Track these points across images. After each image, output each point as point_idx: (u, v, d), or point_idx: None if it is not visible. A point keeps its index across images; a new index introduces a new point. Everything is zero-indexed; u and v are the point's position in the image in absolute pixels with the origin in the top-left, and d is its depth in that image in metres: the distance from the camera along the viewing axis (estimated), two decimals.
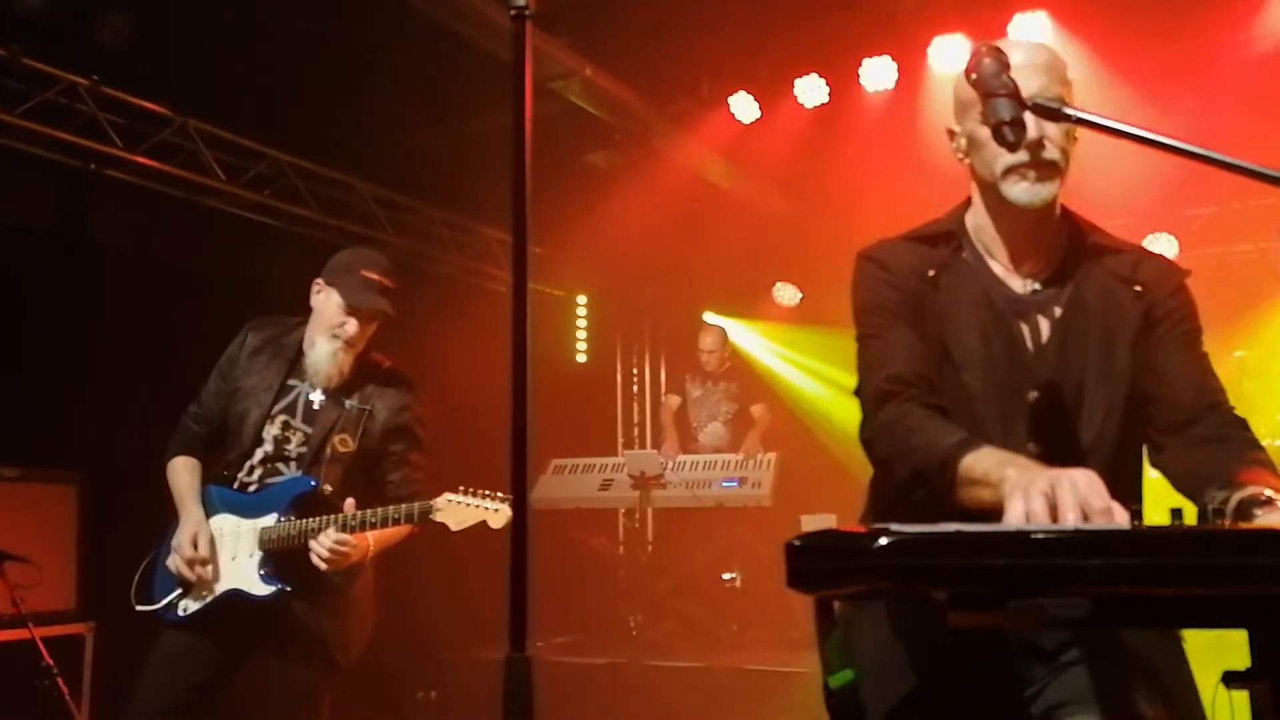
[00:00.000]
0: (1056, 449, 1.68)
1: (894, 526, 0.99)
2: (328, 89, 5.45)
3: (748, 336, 8.66)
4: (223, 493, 3.11)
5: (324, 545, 2.86)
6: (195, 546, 3.00)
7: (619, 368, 9.24)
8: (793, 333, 8.58)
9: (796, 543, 1.02)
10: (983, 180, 1.82)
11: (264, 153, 5.82)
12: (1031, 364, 1.78)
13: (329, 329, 3.09)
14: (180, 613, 3.04)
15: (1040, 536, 0.98)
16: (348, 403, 3.09)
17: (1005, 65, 1.50)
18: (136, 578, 3.17)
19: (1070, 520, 1.23)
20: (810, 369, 8.48)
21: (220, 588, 3.02)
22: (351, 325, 3.07)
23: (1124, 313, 1.81)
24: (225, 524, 3.08)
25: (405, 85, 5.60)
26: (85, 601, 4.65)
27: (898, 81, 5.92)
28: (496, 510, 2.86)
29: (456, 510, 2.86)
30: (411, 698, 5.80)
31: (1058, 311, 1.81)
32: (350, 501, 2.91)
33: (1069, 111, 1.47)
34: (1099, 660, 1.64)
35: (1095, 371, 1.77)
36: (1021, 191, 1.73)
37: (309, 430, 3.07)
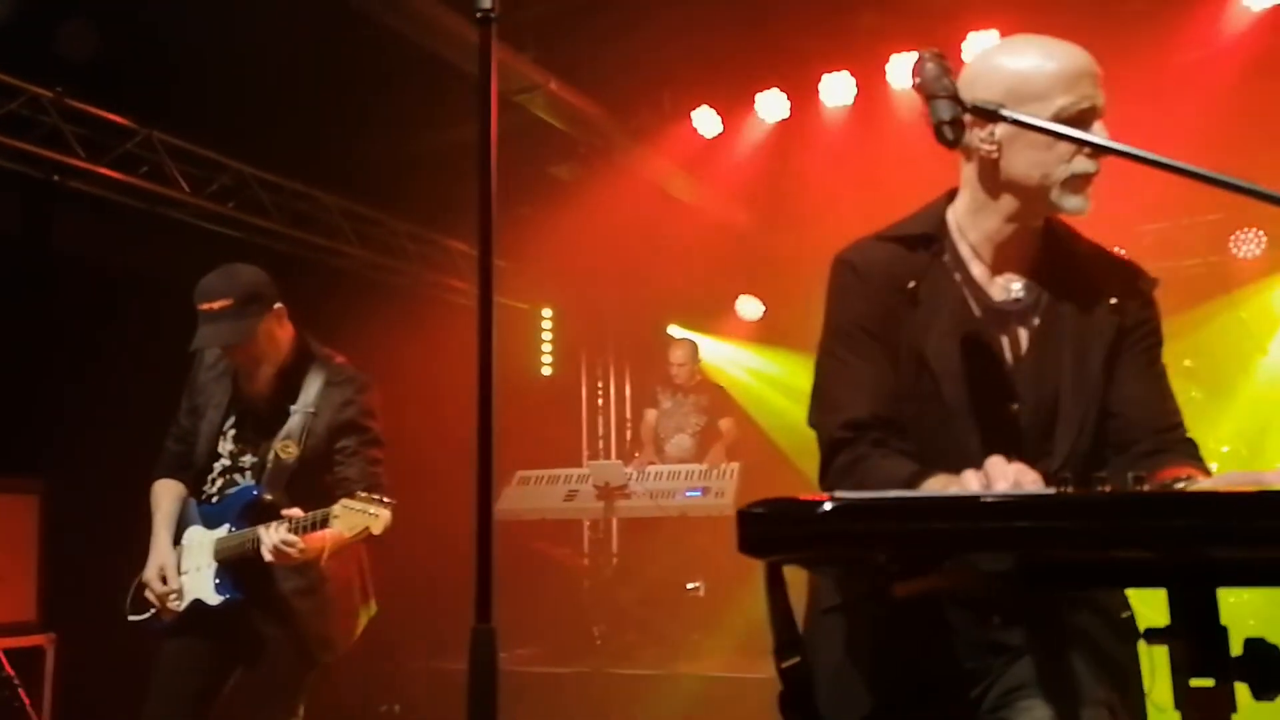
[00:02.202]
0: (1035, 462, 1.63)
1: (838, 493, 1.05)
2: (292, 101, 5.47)
3: (712, 349, 8.74)
4: (195, 506, 3.19)
5: (268, 542, 2.89)
6: (163, 581, 3.07)
7: (584, 380, 9.28)
8: (756, 346, 8.67)
9: (746, 510, 1.08)
10: (1021, 181, 1.73)
11: (228, 165, 5.84)
12: (1011, 376, 1.77)
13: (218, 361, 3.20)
14: (163, 622, 3.10)
15: (972, 500, 1.05)
16: (292, 408, 3.11)
17: (946, 69, 1.57)
18: (131, 590, 3.19)
19: (1001, 488, 1.30)
20: (773, 381, 8.56)
21: (187, 597, 3.09)
22: (229, 360, 3.16)
23: (1098, 324, 1.79)
24: (193, 536, 3.15)
25: (369, 97, 5.64)
26: (46, 612, 4.63)
27: (857, 96, 6.05)
28: (376, 515, 2.84)
29: (349, 515, 2.84)
30: (375, 710, 5.79)
31: (1036, 321, 1.79)
32: (294, 511, 2.93)
33: (1005, 114, 1.54)
34: (1049, 647, 1.67)
35: (1070, 383, 1.76)
36: (1079, 203, 1.70)
37: (257, 441, 3.13)
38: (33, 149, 4.94)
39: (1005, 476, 1.40)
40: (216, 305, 2.99)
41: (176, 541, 3.16)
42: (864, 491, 1.01)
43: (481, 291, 1.63)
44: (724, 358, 8.78)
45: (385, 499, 2.87)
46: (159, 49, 4.88)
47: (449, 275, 7.45)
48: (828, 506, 1.04)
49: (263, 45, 5.05)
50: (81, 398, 4.90)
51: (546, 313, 8.84)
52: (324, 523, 2.86)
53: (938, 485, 1.52)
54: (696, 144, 6.54)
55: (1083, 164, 1.69)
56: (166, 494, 3.22)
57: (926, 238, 1.84)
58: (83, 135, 5.14)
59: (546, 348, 8.86)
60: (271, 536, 2.88)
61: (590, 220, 6.65)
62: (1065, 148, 1.67)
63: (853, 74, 5.99)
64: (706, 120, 6.43)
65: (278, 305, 3.11)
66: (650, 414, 7.23)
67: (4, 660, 4.13)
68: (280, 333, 3.13)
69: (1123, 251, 1.95)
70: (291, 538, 2.88)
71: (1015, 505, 1.03)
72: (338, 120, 5.80)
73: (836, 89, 6.05)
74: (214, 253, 3.13)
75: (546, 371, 8.86)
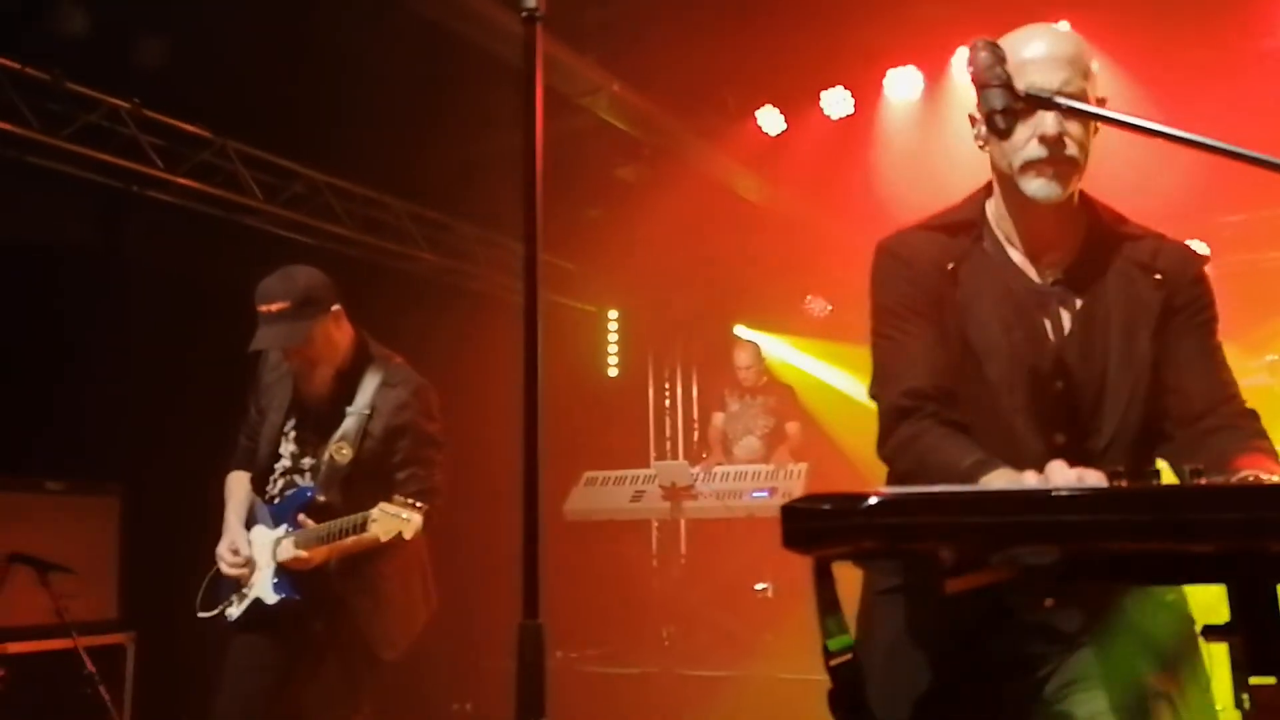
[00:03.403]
0: (1081, 439, 1.70)
1: (883, 488, 1.04)
2: (361, 108, 5.56)
3: (779, 349, 8.68)
4: (260, 505, 3.27)
5: (281, 557, 3.07)
6: (234, 553, 3.17)
7: (650, 381, 9.29)
8: (823, 345, 8.59)
9: (791, 504, 1.07)
10: (1000, 171, 1.83)
11: (300, 172, 5.95)
12: (1054, 355, 1.78)
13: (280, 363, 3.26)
14: (230, 619, 3.18)
15: (1019, 494, 1.02)
16: (348, 410, 3.15)
17: (1001, 58, 1.55)
18: (202, 587, 3.30)
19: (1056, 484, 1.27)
20: (840, 381, 8.48)
21: (250, 595, 3.17)
22: (288, 362, 3.21)
23: (1144, 301, 1.80)
24: (258, 535, 3.23)
25: (436, 102, 5.71)
26: (126, 611, 4.76)
27: (923, 91, 5.97)
28: (408, 520, 2.88)
29: (385, 520, 2.88)
30: (447, 709, 5.85)
31: (1078, 302, 1.81)
32: (302, 516, 3.07)
33: (1060, 102, 1.51)
34: (1108, 636, 1.66)
35: (1117, 361, 1.77)
36: (1038, 188, 1.74)
37: (316, 442, 3.18)
38: (111, 159, 5.08)
39: (1067, 479, 1.38)
40: (274, 307, 3.04)
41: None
42: (914, 484, 1.00)
43: (527, 288, 1.65)
44: (791, 357, 8.72)
45: (419, 504, 2.90)
46: (232, 59, 4.99)
47: (516, 278, 7.46)
48: (873, 501, 1.03)
49: (333, 54, 5.15)
50: (159, 404, 5.03)
51: (613, 314, 8.87)
52: (363, 526, 2.91)
53: (998, 482, 1.52)
54: (761, 143, 6.50)
55: (1034, 149, 1.73)
56: (239, 485, 3.31)
57: (967, 224, 1.89)
58: (159, 145, 5.27)
59: (613, 349, 8.88)
60: (281, 553, 3.06)
61: (656, 221, 6.66)
62: (1020, 136, 1.72)
63: (919, 68, 5.91)
64: (771, 119, 6.40)
65: (335, 307, 3.15)
66: (718, 417, 7.21)
67: (86, 658, 4.25)
68: (338, 334, 3.17)
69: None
70: (300, 553, 3.03)
71: (1066, 499, 1.01)
72: (406, 126, 5.87)
73: (902, 84, 5.98)
74: (287, 259, 3.18)
75: (613, 373, 8.89)
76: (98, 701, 4.20)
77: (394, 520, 2.86)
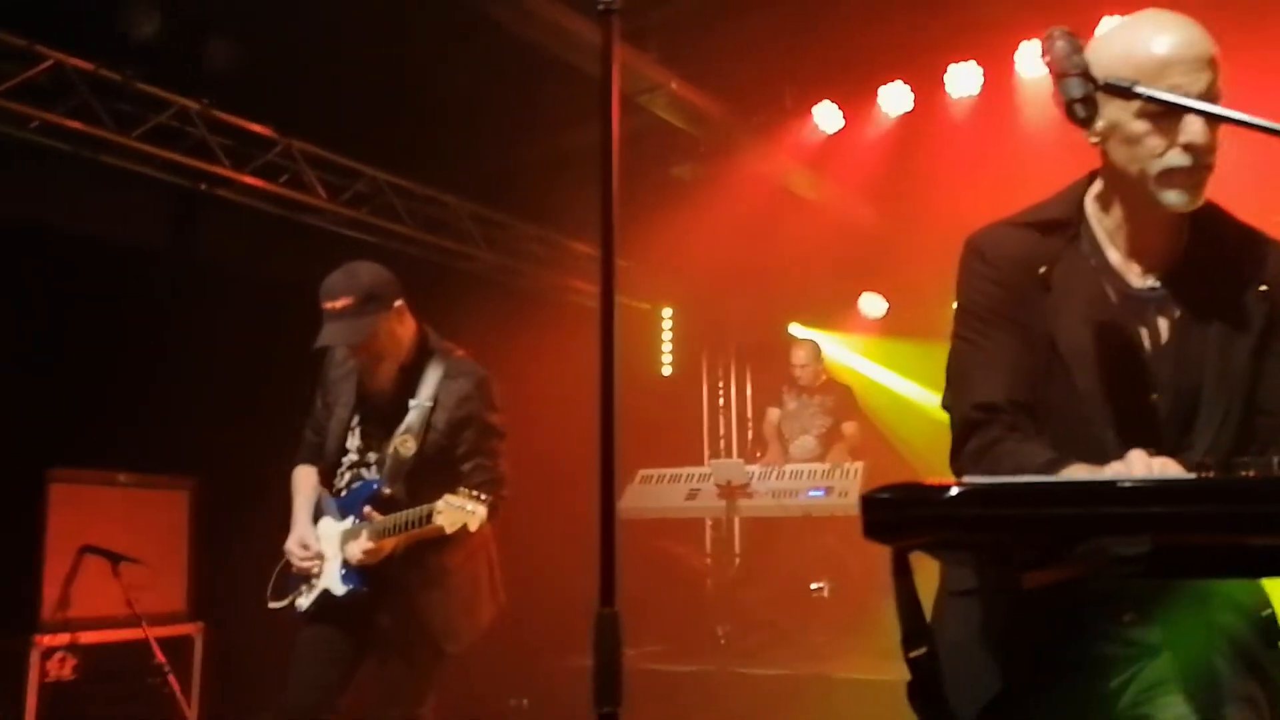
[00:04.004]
0: (1173, 455, 1.57)
1: (966, 478, 1.03)
2: (422, 107, 5.63)
3: (834, 348, 8.63)
4: (327, 498, 3.31)
5: (353, 553, 3.09)
6: (303, 547, 3.22)
7: (704, 380, 9.28)
8: (878, 344, 8.52)
9: (871, 495, 1.07)
10: (1124, 172, 1.69)
11: (362, 172, 6.04)
12: (1150, 366, 1.69)
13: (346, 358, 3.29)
14: (299, 609, 3.24)
15: (1104, 485, 1.01)
16: (412, 403, 3.18)
17: (1077, 46, 1.52)
18: (273, 577, 3.35)
19: (1138, 474, 1.25)
20: (896, 381, 8.41)
21: (319, 586, 3.21)
22: (352, 358, 3.24)
23: (1246, 314, 1.70)
24: (325, 527, 3.27)
25: (496, 102, 5.76)
26: (195, 603, 4.86)
27: (984, 87, 5.89)
28: (473, 512, 2.89)
29: (450, 512, 2.89)
30: (504, 704, 5.89)
31: (1177, 311, 1.71)
32: (368, 508, 3.11)
33: (1175, 101, 1.46)
34: (1188, 644, 1.61)
35: (1213, 375, 1.68)
36: (1175, 198, 1.63)
37: (381, 436, 3.22)
38: (181, 159, 5.19)
39: (1148, 468, 1.35)
40: (339, 304, 3.06)
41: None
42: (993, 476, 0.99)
43: (603, 284, 1.65)
44: (846, 356, 8.66)
45: (484, 496, 2.93)
46: (297, 60, 5.08)
47: (573, 277, 7.55)
48: (954, 491, 1.03)
49: (396, 55, 5.23)
50: (228, 399, 5.14)
51: (667, 312, 8.88)
52: (428, 518, 2.93)
53: (1074, 473, 1.48)
54: (818, 139, 6.48)
55: (1176, 158, 1.61)
56: (306, 479, 3.36)
57: (1062, 223, 1.79)
58: (227, 145, 5.39)
59: (667, 347, 8.89)
60: (350, 550, 3.09)
61: (711, 219, 6.65)
62: (1156, 141, 1.61)
63: (980, 63, 5.84)
64: (828, 115, 6.36)
65: (398, 303, 3.17)
66: (773, 413, 7.15)
67: (156, 648, 4.35)
68: (401, 330, 3.20)
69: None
70: (368, 545, 3.05)
71: (1150, 490, 0.99)
72: (466, 125, 5.93)
73: (963, 79, 5.91)
74: (349, 258, 3.23)
75: (667, 371, 8.89)
76: (167, 691, 4.30)
77: (459, 512, 2.88)
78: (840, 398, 7.00)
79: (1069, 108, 1.49)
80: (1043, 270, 1.74)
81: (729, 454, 8.91)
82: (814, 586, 6.38)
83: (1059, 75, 1.51)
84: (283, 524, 3.32)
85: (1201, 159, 1.61)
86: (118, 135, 4.91)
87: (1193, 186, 1.63)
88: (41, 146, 4.73)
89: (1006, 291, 1.74)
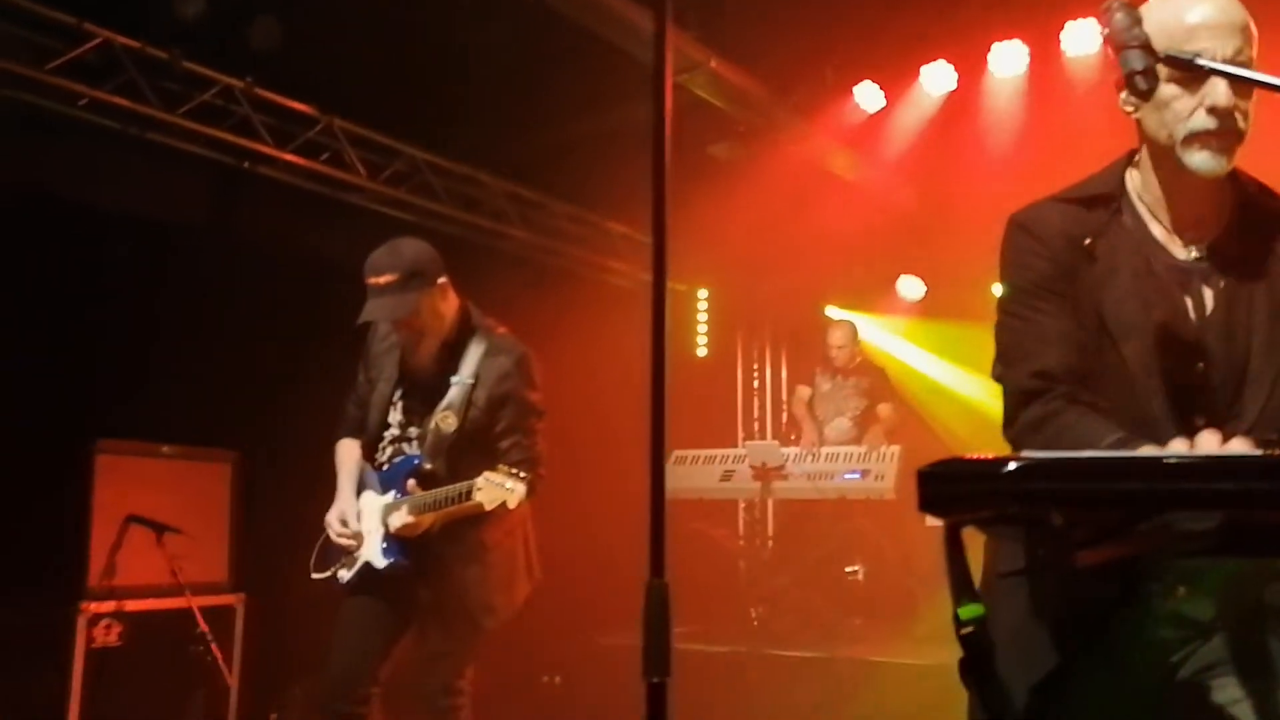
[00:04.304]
0: (1222, 423, 1.61)
1: (1025, 452, 1.02)
2: (460, 86, 5.64)
3: (871, 330, 8.57)
4: (369, 471, 3.35)
5: (393, 525, 3.13)
6: (343, 524, 3.25)
7: (740, 361, 9.26)
8: (916, 327, 8.45)
9: (928, 469, 1.06)
10: (1156, 140, 1.73)
11: (401, 150, 6.06)
12: (1196, 335, 1.71)
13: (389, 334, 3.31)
14: (341, 581, 3.28)
15: (1169, 460, 1.00)
16: (453, 379, 3.20)
17: (1137, 19, 1.51)
18: (316, 549, 3.40)
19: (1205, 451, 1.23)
20: (934, 365, 8.35)
21: (360, 558, 3.25)
22: (395, 334, 3.26)
23: None
24: (367, 501, 3.31)
25: (533, 81, 5.75)
26: (237, 574, 4.92)
27: (1029, 65, 5.81)
28: (512, 490, 2.91)
29: (489, 489, 2.91)
30: (537, 680, 5.93)
31: (1222, 282, 1.73)
32: (411, 482, 3.14)
33: (1210, 66, 1.46)
34: (1243, 623, 1.60)
35: (1262, 343, 1.70)
36: (1203, 161, 1.66)
37: (423, 412, 3.24)
38: (225, 136, 5.23)
39: (1216, 449, 1.33)
40: (383, 280, 3.09)
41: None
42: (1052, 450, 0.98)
43: (656, 267, 1.65)
44: (883, 339, 8.60)
45: (523, 474, 2.94)
46: (338, 39, 5.10)
47: (607, 256, 7.54)
48: (1012, 465, 1.02)
49: (436, 34, 5.23)
50: (270, 373, 5.19)
51: (702, 293, 8.85)
52: (468, 494, 2.95)
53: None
54: (859, 119, 6.41)
55: (1201, 120, 1.65)
56: (349, 453, 3.39)
57: (1104, 197, 1.81)
58: (269, 123, 5.42)
59: (702, 328, 8.87)
60: (390, 519, 3.12)
61: (748, 200, 6.61)
62: (1184, 105, 1.65)
63: (1025, 41, 5.76)
64: (869, 94, 6.30)
65: (442, 280, 3.20)
66: (803, 390, 7.09)
67: (199, 617, 4.42)
68: (444, 306, 3.22)
69: None
70: (409, 519, 3.09)
71: (1215, 466, 0.98)
72: (503, 104, 5.93)
73: (1008, 58, 5.83)
74: (387, 235, 3.25)
75: (702, 353, 8.88)
76: (210, 659, 4.37)
77: (498, 489, 2.90)
78: (875, 379, 6.96)
79: (1130, 80, 1.47)
80: (1088, 242, 1.76)
81: (763, 436, 8.90)
82: (849, 570, 6.37)
83: (1119, 48, 1.49)
84: (323, 497, 3.35)
85: (1225, 122, 1.64)
86: (163, 113, 4.95)
87: (1219, 150, 1.65)
88: (88, 123, 4.78)
89: (1054, 266, 1.75)
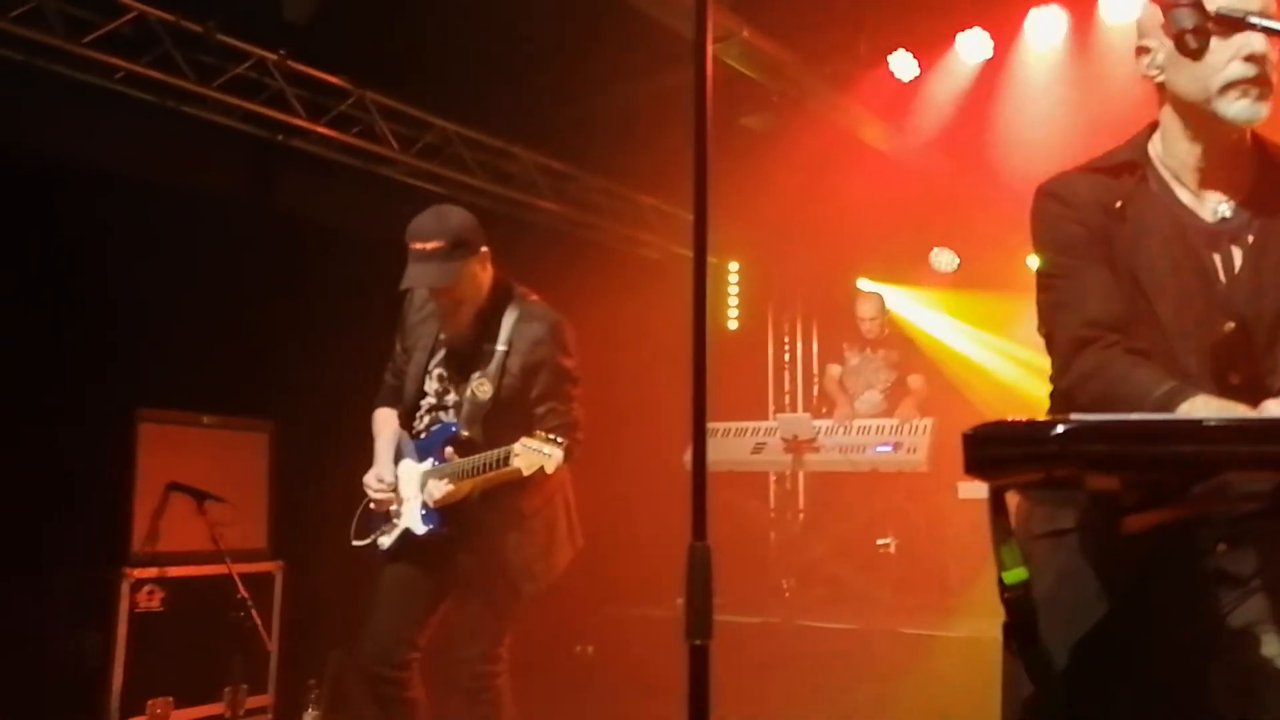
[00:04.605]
0: (1258, 379, 1.66)
1: (1074, 415, 1.02)
2: (491, 59, 5.62)
3: (904, 303, 8.51)
4: (407, 440, 3.37)
5: (433, 494, 3.14)
6: (380, 480, 3.28)
7: (770, 334, 9.24)
8: (950, 298, 8.38)
9: (975, 430, 1.06)
10: (1184, 98, 1.76)
11: (433, 123, 6.07)
12: (1225, 294, 1.74)
13: (426, 302, 3.31)
14: (381, 548, 3.31)
15: (1220, 424, 0.99)
16: (487, 347, 3.21)
17: None
18: (356, 516, 3.43)
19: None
20: (968, 335, 8.28)
21: (400, 525, 3.28)
22: (433, 302, 3.25)
23: None
24: (405, 469, 3.33)
25: (564, 53, 5.73)
26: (275, 542, 5.00)
27: (1067, 34, 5.72)
28: (549, 455, 2.90)
29: (527, 455, 2.91)
30: (569, 650, 5.98)
31: (1250, 239, 1.77)
32: (449, 450, 3.16)
33: (1257, 22, 1.44)
34: None
35: None
36: (1242, 109, 1.69)
37: (459, 380, 3.26)
38: (259, 109, 5.26)
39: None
40: (429, 246, 3.08)
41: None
42: (1104, 412, 0.98)
43: (697, 241, 1.66)
44: (915, 312, 8.54)
45: (560, 439, 2.94)
46: (372, 11, 5.10)
47: (638, 229, 7.53)
48: (1060, 429, 1.01)
49: (462, 7, 5.21)
50: (306, 345, 5.25)
51: (733, 266, 8.82)
52: (506, 460, 2.96)
53: (1210, 410, 1.49)
54: (893, 89, 6.33)
55: (1238, 68, 1.67)
56: (387, 421, 3.41)
57: (1130, 165, 1.84)
58: (303, 96, 5.44)
59: (733, 301, 8.84)
60: (430, 491, 3.14)
61: (780, 171, 6.57)
62: (1219, 57, 1.67)
63: (1064, 7, 5.67)
64: (903, 63, 6.22)
65: (484, 249, 3.20)
66: (834, 369, 7.10)
67: (239, 583, 4.48)
68: (483, 275, 3.23)
69: None
70: (447, 487, 3.10)
71: (1270, 428, 0.97)
72: (535, 77, 5.92)
73: (1045, 25, 5.74)
74: (420, 208, 3.26)
75: (733, 325, 8.85)
76: (249, 625, 4.44)
77: (535, 455, 2.91)
78: (904, 351, 6.94)
79: (1179, 39, 1.46)
80: (1119, 205, 1.79)
81: (794, 408, 8.88)
82: (881, 542, 6.37)
83: (1168, 7, 1.48)
84: (359, 466, 3.38)
85: (1261, 68, 1.66)
86: (198, 86, 4.98)
87: (1259, 97, 1.68)
88: (123, 96, 4.82)
89: (1087, 230, 1.79)
